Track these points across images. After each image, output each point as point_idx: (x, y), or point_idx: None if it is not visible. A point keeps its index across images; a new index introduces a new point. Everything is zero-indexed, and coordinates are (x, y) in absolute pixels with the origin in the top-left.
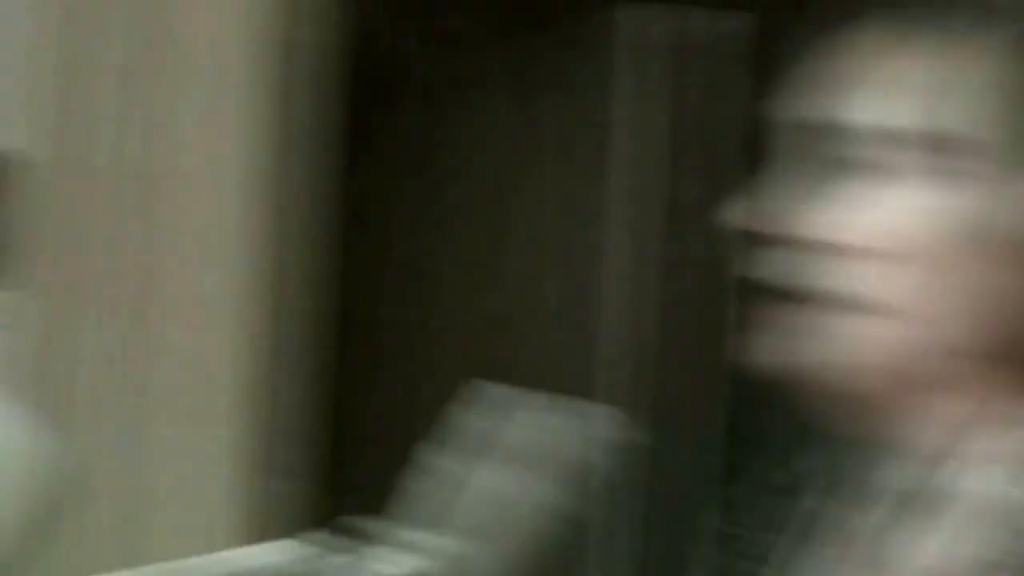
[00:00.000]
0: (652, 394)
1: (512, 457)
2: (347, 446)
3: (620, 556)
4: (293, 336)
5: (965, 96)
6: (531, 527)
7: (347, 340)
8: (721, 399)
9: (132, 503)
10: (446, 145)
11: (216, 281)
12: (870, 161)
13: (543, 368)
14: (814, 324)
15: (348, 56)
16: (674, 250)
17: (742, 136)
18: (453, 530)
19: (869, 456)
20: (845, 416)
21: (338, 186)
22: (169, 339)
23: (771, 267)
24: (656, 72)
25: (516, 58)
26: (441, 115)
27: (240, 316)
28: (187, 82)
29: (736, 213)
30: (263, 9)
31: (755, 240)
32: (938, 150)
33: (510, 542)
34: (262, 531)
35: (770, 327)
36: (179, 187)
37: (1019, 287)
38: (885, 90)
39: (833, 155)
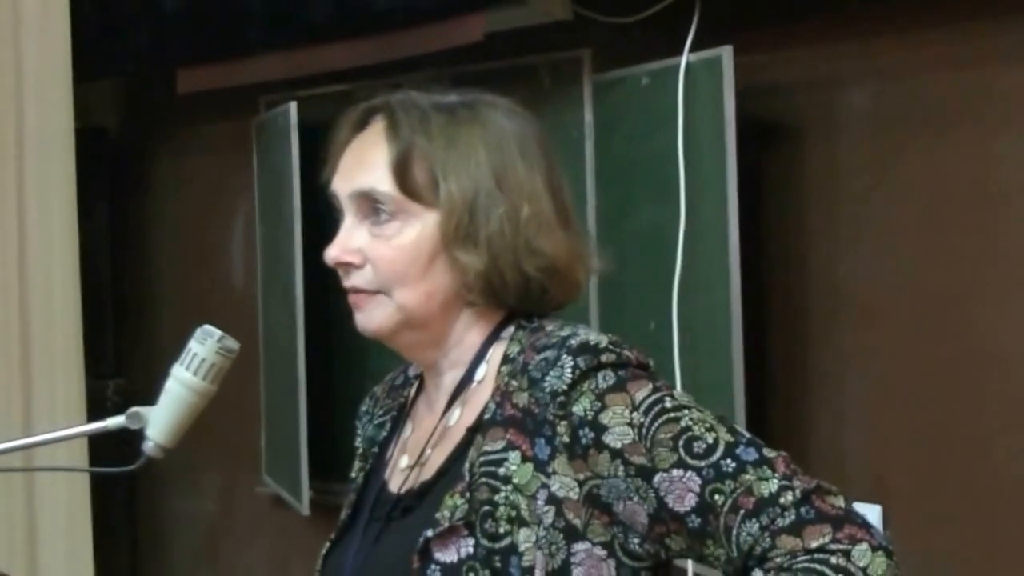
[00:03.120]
0: None
1: (193, 359)
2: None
3: None
4: None
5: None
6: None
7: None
8: None
9: None
10: None
11: None
12: (356, 210)
13: None
14: (363, 305)
15: None
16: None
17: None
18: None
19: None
20: (408, 351)
21: None
22: None
23: (342, 278)
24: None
25: None
26: None
27: None
28: None
29: (328, 251)
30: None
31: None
32: (386, 203)
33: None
34: None
35: (354, 309)
36: None
37: (473, 268)
38: (352, 162)
39: (337, 207)
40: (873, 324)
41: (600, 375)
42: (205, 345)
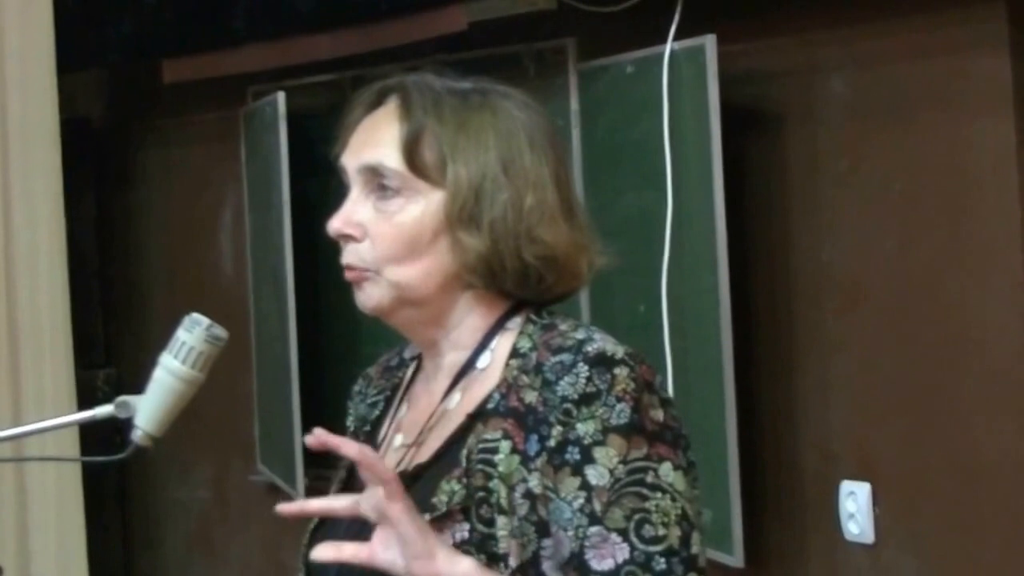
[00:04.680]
0: None
1: (181, 347)
2: None
3: None
4: None
5: (400, 141)
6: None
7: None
8: None
9: None
10: None
11: None
12: (363, 185)
13: None
14: (360, 283)
15: None
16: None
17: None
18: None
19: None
20: (408, 329)
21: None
22: None
23: (343, 252)
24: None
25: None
26: None
27: None
28: None
29: (330, 222)
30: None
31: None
32: (392, 178)
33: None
34: None
35: (354, 287)
36: None
37: (474, 250)
38: (363, 138)
39: (345, 182)
40: (856, 306)
41: (617, 406)
42: (193, 333)
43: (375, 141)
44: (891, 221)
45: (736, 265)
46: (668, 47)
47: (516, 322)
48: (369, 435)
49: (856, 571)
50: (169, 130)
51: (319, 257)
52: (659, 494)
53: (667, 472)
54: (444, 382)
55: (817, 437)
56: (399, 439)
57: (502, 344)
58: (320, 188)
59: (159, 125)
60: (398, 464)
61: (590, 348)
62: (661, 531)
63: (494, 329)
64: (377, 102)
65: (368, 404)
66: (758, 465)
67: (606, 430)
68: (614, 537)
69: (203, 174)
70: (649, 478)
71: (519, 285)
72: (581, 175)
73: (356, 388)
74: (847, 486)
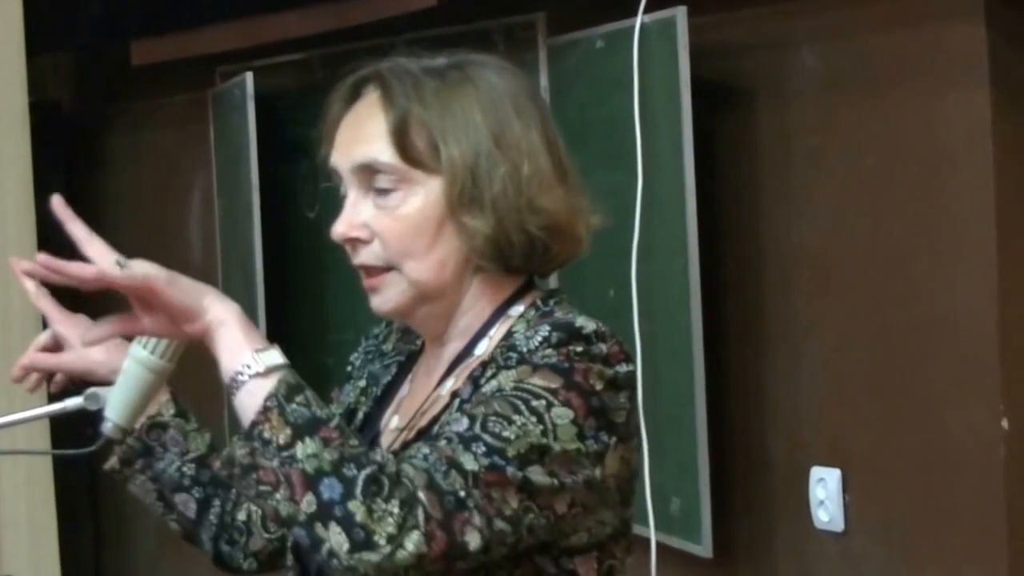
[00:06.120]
0: None
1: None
2: None
3: None
4: None
5: (390, 135)
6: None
7: None
8: None
9: None
10: None
11: None
12: (359, 184)
13: None
14: (378, 287)
15: None
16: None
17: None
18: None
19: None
20: (423, 325)
21: None
22: None
23: (350, 255)
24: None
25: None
26: None
27: None
28: None
29: (334, 227)
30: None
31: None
32: (388, 173)
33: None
34: None
35: (369, 293)
36: None
37: (480, 232)
38: (350, 136)
39: (337, 183)
40: (827, 288)
41: (551, 352)
42: None
43: (363, 137)
44: (863, 198)
45: (706, 246)
46: (638, 20)
47: (518, 309)
48: (378, 403)
49: (826, 559)
50: (138, 113)
51: (288, 241)
52: (534, 419)
53: (561, 416)
54: (443, 369)
55: (787, 422)
56: (395, 422)
57: (499, 331)
58: (290, 170)
59: (128, 108)
60: (391, 445)
61: (563, 320)
62: (510, 435)
63: (495, 316)
64: (354, 95)
65: (383, 364)
66: (727, 451)
67: (521, 361)
68: (464, 419)
69: (173, 158)
70: (535, 403)
71: (526, 259)
72: None
73: (376, 331)
74: (817, 472)
